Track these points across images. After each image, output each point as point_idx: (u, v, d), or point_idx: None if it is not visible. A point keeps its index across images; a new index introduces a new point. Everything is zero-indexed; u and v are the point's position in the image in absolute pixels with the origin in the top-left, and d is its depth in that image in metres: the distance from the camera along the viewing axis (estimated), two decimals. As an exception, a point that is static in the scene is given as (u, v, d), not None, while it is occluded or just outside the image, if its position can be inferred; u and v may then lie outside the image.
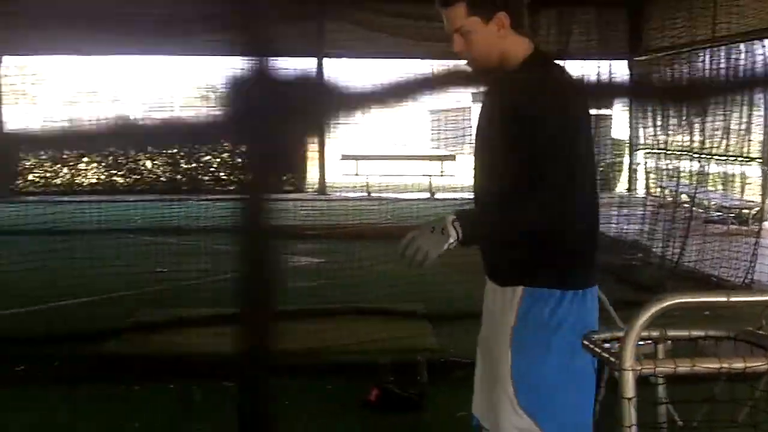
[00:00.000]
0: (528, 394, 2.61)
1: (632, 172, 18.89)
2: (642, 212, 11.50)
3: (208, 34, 17.67)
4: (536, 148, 2.56)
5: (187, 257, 9.39)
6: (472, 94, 22.77)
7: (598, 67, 15.27)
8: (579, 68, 14.72)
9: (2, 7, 17.15)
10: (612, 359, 2.19)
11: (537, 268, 2.65)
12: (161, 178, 22.60)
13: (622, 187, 18.95)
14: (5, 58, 20.87)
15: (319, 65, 21.00)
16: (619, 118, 20.07)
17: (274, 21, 2.95)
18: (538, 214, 2.57)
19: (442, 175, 18.23)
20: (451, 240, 2.49)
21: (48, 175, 22.25)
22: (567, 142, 2.60)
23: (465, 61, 2.74)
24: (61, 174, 22.29)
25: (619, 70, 17.41)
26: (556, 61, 2.93)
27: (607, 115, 19.16)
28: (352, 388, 4.96)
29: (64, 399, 5.17)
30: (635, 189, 18.26)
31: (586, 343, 2.33)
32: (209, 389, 5.33)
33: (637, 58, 16.85)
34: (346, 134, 19.24)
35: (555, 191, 2.56)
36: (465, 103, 23.50)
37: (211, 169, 22.84)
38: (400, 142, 26.00)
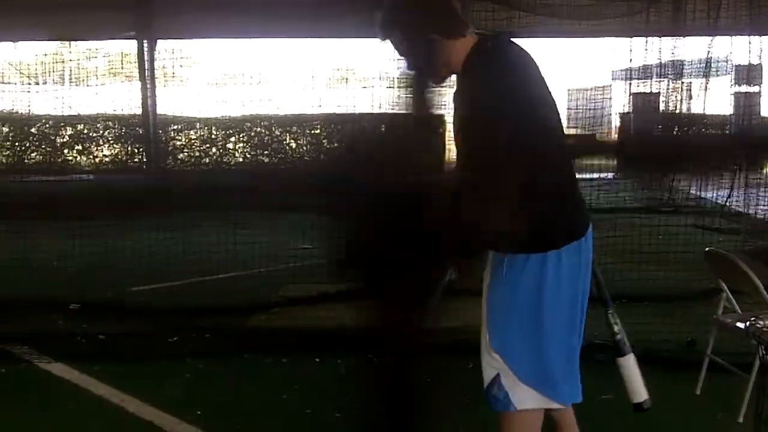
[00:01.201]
0: (496, 339, 3.08)
1: (783, 151, 18.09)
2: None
3: (354, 15, 17.94)
4: (471, 128, 2.90)
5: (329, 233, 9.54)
6: (612, 72, 22.31)
7: (749, 42, 14.68)
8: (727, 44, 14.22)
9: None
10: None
11: (499, 236, 2.94)
12: (305, 157, 23.01)
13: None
14: (159, 42, 21.65)
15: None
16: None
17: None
18: (486, 185, 2.78)
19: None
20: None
21: (197, 154, 23.00)
22: (496, 114, 2.80)
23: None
24: (210, 153, 23.00)
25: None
26: (498, 42, 3.06)
27: (754, 93, 18.39)
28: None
29: (215, 370, 5.40)
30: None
31: (753, 327, 2.31)
32: (354, 362, 5.47)
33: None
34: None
35: (495, 162, 2.79)
36: (605, 81, 22.98)
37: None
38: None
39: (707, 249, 5.13)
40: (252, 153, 23.00)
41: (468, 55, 2.97)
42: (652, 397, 3.34)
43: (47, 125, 22.77)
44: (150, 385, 5.05)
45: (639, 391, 3.36)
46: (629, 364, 3.39)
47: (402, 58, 3.03)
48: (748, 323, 2.41)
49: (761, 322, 2.40)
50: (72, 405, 4.80)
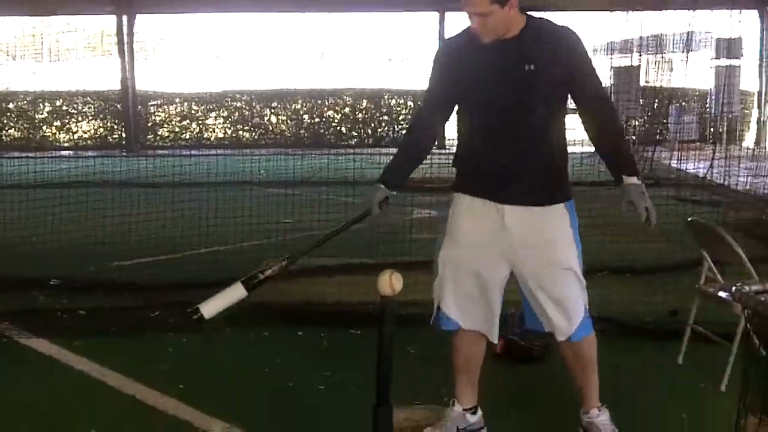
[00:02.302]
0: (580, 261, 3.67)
1: (761, 125, 18.22)
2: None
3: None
4: (592, 74, 3.59)
5: (310, 208, 9.57)
6: (593, 46, 22.24)
7: (730, 16, 14.70)
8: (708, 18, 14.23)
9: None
10: (766, 312, 2.17)
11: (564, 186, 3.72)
12: (285, 133, 22.93)
13: (750, 140, 18.32)
14: (138, 17, 21.43)
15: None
16: (748, 69, 19.31)
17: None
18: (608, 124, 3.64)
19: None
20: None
21: (177, 130, 22.87)
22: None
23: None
24: (190, 129, 22.87)
25: (750, 19, 16.77)
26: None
27: (735, 67, 18.42)
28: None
29: (197, 345, 5.37)
30: (765, 142, 17.62)
31: (738, 293, 2.32)
32: (336, 336, 5.46)
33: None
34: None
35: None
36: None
37: (333, 124, 23.04)
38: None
39: (690, 219, 5.14)
40: (232, 128, 22.91)
41: (527, 26, 3.49)
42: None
43: (25, 101, 22.59)
44: (132, 360, 5.02)
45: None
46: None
47: (478, 20, 3.41)
48: (733, 288, 2.41)
49: (746, 287, 2.39)
50: (53, 380, 4.76)
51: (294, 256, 3.75)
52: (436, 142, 3.87)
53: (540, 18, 3.57)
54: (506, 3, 3.38)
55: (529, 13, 3.54)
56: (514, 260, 3.64)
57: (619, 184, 3.51)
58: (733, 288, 2.48)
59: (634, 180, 3.46)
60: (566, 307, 3.60)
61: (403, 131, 22.28)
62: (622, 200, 3.47)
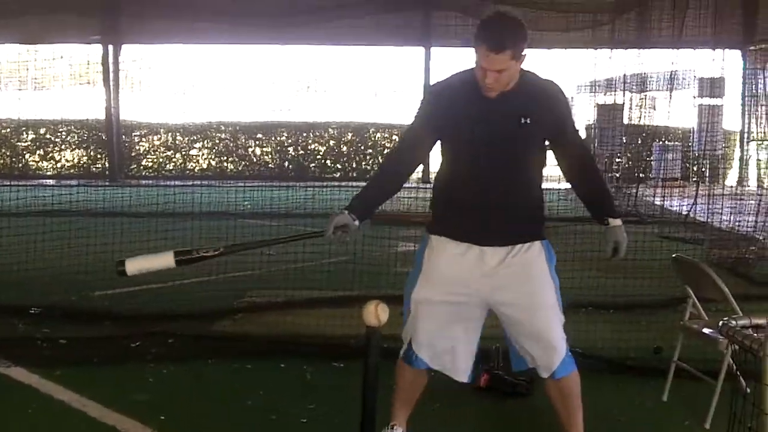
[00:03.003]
0: (558, 297, 3.72)
1: (743, 164, 18.37)
2: (755, 205, 11.17)
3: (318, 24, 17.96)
4: (572, 125, 3.78)
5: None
6: (577, 84, 22.43)
7: (712, 56, 14.85)
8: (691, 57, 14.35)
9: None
10: (754, 346, 2.16)
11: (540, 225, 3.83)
12: (269, 165, 22.91)
13: (732, 179, 18.46)
14: (124, 47, 21.46)
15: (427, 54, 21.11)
16: (730, 108, 19.51)
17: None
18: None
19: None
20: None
21: (161, 160, 22.81)
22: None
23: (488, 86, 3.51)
24: (173, 159, 22.82)
25: (732, 59, 16.95)
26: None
27: (718, 106, 18.60)
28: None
29: (179, 376, 5.32)
30: (747, 181, 17.75)
31: (724, 328, 2.32)
32: (319, 369, 5.43)
33: (750, 48, 16.38)
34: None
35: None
36: (570, 93, 23.26)
37: (318, 157, 23.07)
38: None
39: (674, 255, 5.15)
40: (216, 159, 22.89)
41: (523, 77, 3.59)
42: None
43: (8, 129, 22.51)
44: (113, 390, 4.96)
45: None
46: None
47: (494, 75, 3.46)
48: (720, 323, 2.41)
49: (733, 322, 2.39)
50: (32, 410, 4.70)
51: (233, 248, 3.98)
52: (407, 180, 3.90)
53: (529, 72, 3.67)
54: (521, 58, 3.49)
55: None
56: (495, 301, 3.70)
57: (602, 224, 3.75)
58: (720, 322, 2.48)
59: (618, 222, 3.71)
60: (548, 344, 3.64)
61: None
62: (608, 241, 3.69)
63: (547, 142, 3.72)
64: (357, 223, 3.68)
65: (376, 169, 3.60)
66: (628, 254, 3.72)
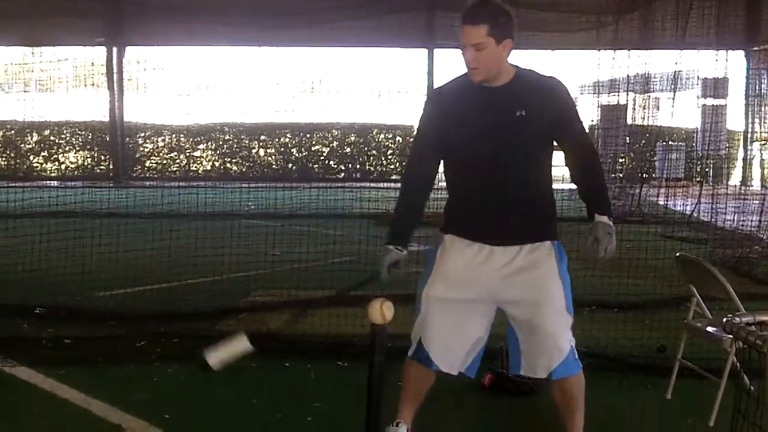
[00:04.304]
0: (568, 297, 3.70)
1: (747, 164, 18.31)
2: (758, 204, 11.15)
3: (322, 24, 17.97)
4: (577, 119, 3.74)
5: (299, 241, 9.56)
6: (580, 85, 22.40)
7: (716, 56, 14.82)
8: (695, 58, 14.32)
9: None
10: (758, 342, 2.17)
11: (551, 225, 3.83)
12: (273, 166, 22.89)
13: (736, 179, 18.40)
14: (128, 49, 21.45)
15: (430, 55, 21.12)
16: (734, 109, 19.45)
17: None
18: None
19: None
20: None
21: (165, 162, 22.81)
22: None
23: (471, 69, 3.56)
24: (177, 161, 22.81)
25: (736, 59, 16.89)
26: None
27: (721, 106, 18.53)
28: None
29: (183, 375, 5.33)
30: (750, 181, 17.71)
31: (729, 325, 2.32)
32: (324, 368, 5.43)
33: (754, 48, 16.33)
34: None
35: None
36: (573, 93, 23.23)
37: (321, 158, 23.05)
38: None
39: (678, 254, 5.15)
40: (220, 161, 22.88)
41: (517, 75, 3.64)
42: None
43: (12, 131, 22.52)
44: (117, 389, 4.97)
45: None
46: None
47: (473, 53, 3.49)
48: (725, 320, 2.41)
49: (737, 319, 2.40)
50: (37, 409, 4.71)
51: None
52: (431, 191, 3.92)
53: (528, 69, 3.72)
54: (502, 41, 3.50)
55: (517, 65, 3.69)
56: (503, 299, 3.71)
57: (591, 219, 3.71)
58: (725, 319, 2.49)
59: (604, 219, 3.65)
60: (551, 343, 3.65)
61: (391, 166, 22.41)
62: (588, 236, 3.65)
63: (555, 143, 3.72)
64: (405, 252, 3.77)
65: (398, 194, 3.93)
66: (632, 254, 3.70)
